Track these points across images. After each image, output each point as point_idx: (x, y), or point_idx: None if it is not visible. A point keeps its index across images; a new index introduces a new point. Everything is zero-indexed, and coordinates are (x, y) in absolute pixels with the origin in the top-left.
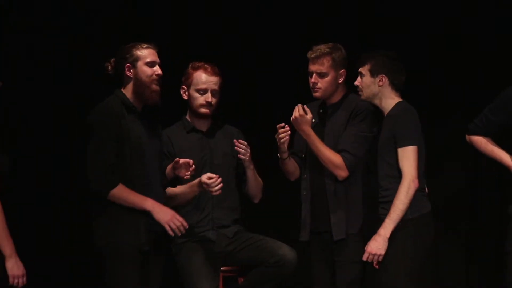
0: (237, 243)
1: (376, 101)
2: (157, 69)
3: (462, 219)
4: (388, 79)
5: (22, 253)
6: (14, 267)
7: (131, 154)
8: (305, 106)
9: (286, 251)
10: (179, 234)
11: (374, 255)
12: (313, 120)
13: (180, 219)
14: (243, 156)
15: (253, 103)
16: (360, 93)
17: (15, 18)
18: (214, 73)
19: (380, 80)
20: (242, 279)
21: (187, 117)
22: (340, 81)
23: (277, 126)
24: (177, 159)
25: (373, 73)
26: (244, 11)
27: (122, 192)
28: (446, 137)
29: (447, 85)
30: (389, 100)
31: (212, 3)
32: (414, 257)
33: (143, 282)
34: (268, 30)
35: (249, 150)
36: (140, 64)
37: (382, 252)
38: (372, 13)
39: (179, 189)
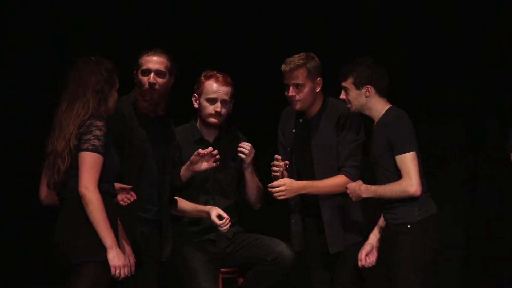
0: (235, 243)
1: (366, 112)
2: (150, 77)
3: (461, 219)
4: (374, 88)
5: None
6: (115, 258)
7: (130, 155)
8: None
9: (283, 249)
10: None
11: (351, 192)
12: (293, 131)
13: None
14: (244, 156)
15: (249, 104)
16: (348, 105)
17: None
18: (225, 83)
19: (366, 91)
20: (241, 280)
21: (197, 124)
22: (317, 90)
23: (275, 156)
24: (199, 150)
25: (358, 86)
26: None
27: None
28: (445, 138)
29: (447, 85)
30: (379, 108)
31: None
32: (424, 259)
33: (142, 283)
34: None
35: (253, 152)
36: (138, 72)
37: (356, 196)
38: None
39: (187, 206)
